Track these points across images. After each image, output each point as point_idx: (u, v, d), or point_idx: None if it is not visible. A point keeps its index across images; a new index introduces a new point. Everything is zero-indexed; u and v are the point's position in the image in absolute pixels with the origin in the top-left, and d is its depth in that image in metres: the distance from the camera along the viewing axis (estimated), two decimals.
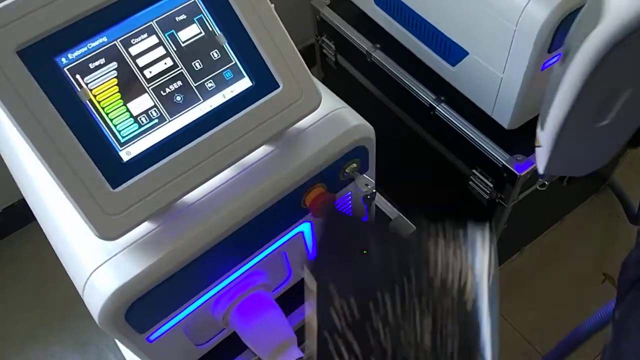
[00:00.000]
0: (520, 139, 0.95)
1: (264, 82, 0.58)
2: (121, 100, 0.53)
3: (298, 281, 0.77)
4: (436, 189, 1.23)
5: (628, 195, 1.37)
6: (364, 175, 0.66)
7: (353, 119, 0.65)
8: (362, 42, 1.14)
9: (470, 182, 1.04)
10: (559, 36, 0.78)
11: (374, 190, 0.66)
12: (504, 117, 0.92)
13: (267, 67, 0.57)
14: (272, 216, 0.61)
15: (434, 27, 0.95)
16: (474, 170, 1.02)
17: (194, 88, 0.55)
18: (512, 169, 0.92)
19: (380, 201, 0.88)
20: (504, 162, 0.93)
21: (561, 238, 1.41)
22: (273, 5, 0.65)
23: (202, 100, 0.56)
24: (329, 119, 0.64)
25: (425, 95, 1.04)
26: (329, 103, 0.65)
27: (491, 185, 1.00)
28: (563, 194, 1.19)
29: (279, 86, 0.58)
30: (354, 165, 0.66)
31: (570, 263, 1.39)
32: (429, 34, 0.97)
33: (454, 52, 0.94)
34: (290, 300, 0.76)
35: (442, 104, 1.02)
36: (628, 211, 1.38)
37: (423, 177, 1.25)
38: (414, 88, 1.05)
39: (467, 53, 0.91)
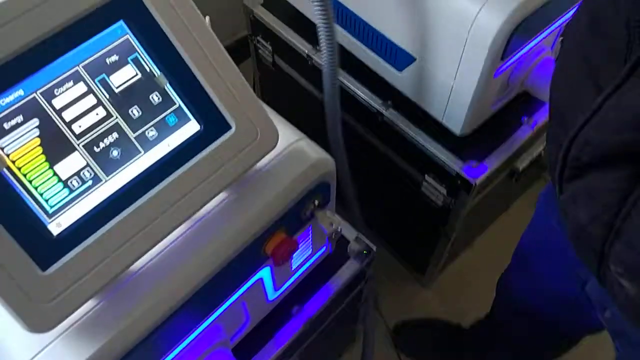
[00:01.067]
0: (473, 143, 0.93)
1: (213, 125, 0.51)
2: (47, 163, 0.44)
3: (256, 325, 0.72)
4: (389, 195, 1.20)
5: None
6: (327, 211, 0.61)
7: (312, 152, 0.59)
8: (301, 45, 1.07)
9: (423, 189, 1.01)
10: (512, 43, 0.75)
11: (340, 229, 0.60)
12: (456, 124, 0.89)
13: (215, 107, 0.50)
14: (230, 271, 0.55)
15: (377, 32, 0.90)
16: (425, 176, 0.99)
17: (133, 140, 0.47)
18: (466, 177, 0.90)
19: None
20: (457, 170, 0.91)
21: (507, 230, 1.43)
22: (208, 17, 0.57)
23: (142, 153, 0.48)
24: (287, 155, 0.58)
25: (372, 101, 0.99)
26: (285, 136, 0.59)
27: (444, 192, 0.97)
28: (511, 189, 1.19)
29: (230, 127, 0.51)
30: (316, 201, 0.60)
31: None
32: (373, 38, 0.92)
33: (400, 58, 0.89)
34: (249, 345, 0.70)
35: (390, 110, 0.98)
36: None
37: (374, 183, 1.21)
38: (359, 93, 1.00)
39: (414, 59, 0.87)
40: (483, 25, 0.73)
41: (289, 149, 0.58)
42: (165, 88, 0.49)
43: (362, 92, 1.00)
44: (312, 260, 0.73)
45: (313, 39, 1.07)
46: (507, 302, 1.00)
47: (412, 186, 1.04)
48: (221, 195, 0.54)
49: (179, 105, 0.49)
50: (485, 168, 0.90)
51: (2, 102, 0.42)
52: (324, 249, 0.73)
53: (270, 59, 1.20)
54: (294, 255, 0.64)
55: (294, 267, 0.69)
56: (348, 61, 1.01)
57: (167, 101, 0.49)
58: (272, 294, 0.69)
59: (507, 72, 0.83)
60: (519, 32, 0.73)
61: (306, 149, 0.59)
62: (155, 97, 0.48)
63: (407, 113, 0.97)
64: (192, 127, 0.50)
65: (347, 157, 1.21)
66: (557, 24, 0.83)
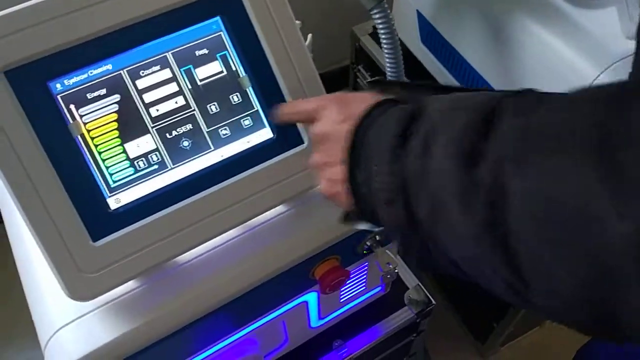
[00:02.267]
0: None
1: (287, 136, 0.50)
2: (119, 139, 0.45)
3: (294, 348, 0.69)
4: None
5: None
6: (386, 250, 0.58)
7: None
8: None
9: None
10: None
11: (396, 270, 0.57)
12: None
13: None
14: (274, 286, 0.53)
15: (484, 81, 0.86)
16: None
17: (205, 134, 0.48)
18: None
19: (399, 266, 0.79)
20: None
21: None
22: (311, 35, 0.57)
23: (212, 149, 0.48)
24: None
25: None
26: None
27: None
28: None
29: (303, 142, 0.50)
30: (377, 237, 0.57)
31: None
32: (475, 82, 0.89)
33: None
34: None
35: None
36: None
37: None
38: None
39: None
40: None
41: None
42: (247, 90, 0.49)
43: None
44: (363, 297, 0.69)
45: (414, 76, 1.05)
46: None
47: None
48: (281, 208, 0.53)
49: (257, 110, 0.49)
50: None
51: (90, 73, 0.44)
52: (378, 288, 0.70)
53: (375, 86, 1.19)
54: (344, 287, 0.62)
55: (343, 299, 0.66)
56: None
57: (246, 103, 0.49)
58: (315, 321, 0.66)
59: None
60: None
61: None
62: (235, 97, 0.48)
63: None
64: (265, 133, 0.49)
65: None
66: None
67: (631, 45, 0.68)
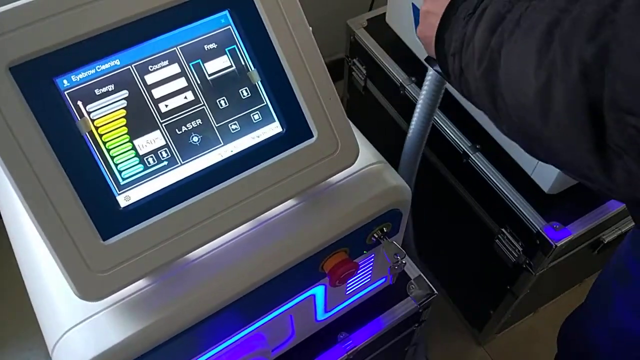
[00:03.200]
0: (560, 205, 0.87)
1: (296, 130, 0.49)
2: (127, 136, 0.44)
3: (300, 342, 0.69)
4: (459, 240, 1.14)
5: None
6: (393, 241, 0.58)
7: (390, 177, 0.57)
8: (396, 73, 1.05)
9: (497, 241, 0.96)
10: None
11: (404, 262, 0.57)
12: (545, 181, 0.84)
13: (302, 113, 0.49)
14: (284, 280, 0.53)
15: None
16: (503, 229, 0.93)
17: (215, 129, 0.47)
18: (548, 238, 0.84)
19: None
20: (539, 229, 0.85)
21: (577, 301, 1.33)
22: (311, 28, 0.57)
23: (222, 144, 0.47)
24: (364, 175, 0.56)
25: (460, 141, 0.95)
26: (365, 156, 0.57)
27: (520, 249, 0.91)
28: (590, 260, 1.11)
29: (312, 136, 0.50)
30: (384, 229, 0.57)
31: None
32: None
33: None
34: None
35: (477, 153, 0.93)
36: None
37: (446, 226, 1.17)
38: (447, 131, 0.97)
39: None
40: None
41: (368, 169, 0.56)
42: (257, 84, 0.48)
43: (450, 131, 0.97)
44: (369, 289, 0.70)
45: (409, 69, 1.05)
46: (575, 354, 0.90)
47: (486, 237, 0.99)
48: (290, 202, 0.53)
49: (266, 104, 0.49)
50: (568, 233, 0.84)
51: (98, 68, 0.43)
52: (383, 280, 0.70)
53: (363, 83, 1.19)
54: (352, 279, 0.62)
55: (349, 291, 0.66)
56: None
57: (255, 98, 0.48)
58: (322, 314, 0.66)
59: None
60: None
61: (385, 173, 0.57)
62: (244, 92, 0.48)
63: (494, 160, 0.92)
64: (274, 128, 0.49)
65: (421, 192, 1.17)
66: None
67: None
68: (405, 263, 0.57)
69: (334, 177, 0.53)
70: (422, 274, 0.78)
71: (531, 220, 0.86)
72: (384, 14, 1.10)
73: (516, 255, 0.93)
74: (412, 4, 0.97)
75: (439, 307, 1.31)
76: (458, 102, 0.96)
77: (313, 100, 0.49)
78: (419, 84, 1.03)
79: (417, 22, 0.98)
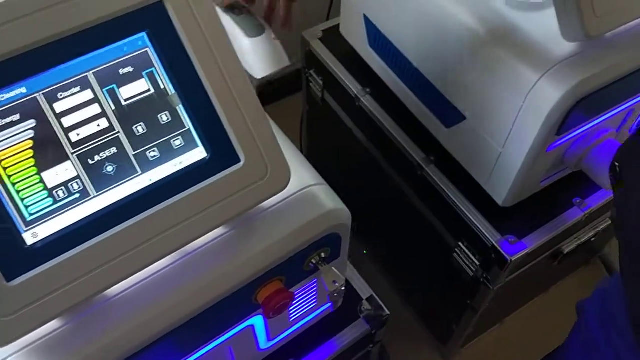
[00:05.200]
0: (515, 217, 0.86)
1: (222, 155, 0.47)
2: (35, 168, 0.42)
3: None
4: (419, 254, 1.13)
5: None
6: (332, 267, 0.56)
7: (328, 200, 0.54)
8: (351, 84, 1.04)
9: (455, 255, 0.95)
10: (571, 119, 0.68)
11: (343, 288, 0.55)
12: (499, 193, 0.83)
13: (227, 136, 0.47)
14: (216, 313, 0.50)
15: (431, 84, 0.85)
16: (460, 243, 0.92)
17: (132, 157, 0.44)
18: (503, 252, 0.82)
19: (353, 277, 0.78)
20: (494, 242, 0.84)
21: (545, 310, 1.33)
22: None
23: (139, 173, 0.45)
24: (299, 199, 0.53)
25: (414, 153, 0.94)
26: (302, 178, 0.55)
27: (477, 263, 0.90)
28: (552, 270, 1.10)
29: (240, 161, 0.47)
30: (322, 254, 0.55)
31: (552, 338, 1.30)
32: (425, 89, 0.88)
33: (450, 114, 0.84)
34: None
35: (432, 166, 0.92)
36: None
37: (407, 240, 1.15)
38: (402, 143, 0.95)
39: (464, 118, 0.82)
40: (541, 96, 0.67)
41: (303, 192, 0.54)
42: (177, 109, 0.46)
43: (404, 142, 0.95)
44: (313, 315, 0.67)
45: (364, 80, 1.04)
46: None
47: (444, 251, 0.97)
48: (219, 231, 0.50)
49: (188, 129, 0.46)
50: (524, 246, 0.83)
51: (2, 97, 0.40)
52: (328, 305, 0.68)
53: (320, 95, 1.17)
54: (292, 306, 0.59)
55: (292, 318, 0.64)
56: (396, 108, 0.97)
57: (176, 123, 0.46)
58: (264, 343, 0.64)
59: (562, 147, 0.76)
60: (579, 108, 0.67)
61: (322, 196, 0.55)
62: (164, 117, 0.45)
63: (449, 172, 0.91)
64: (198, 153, 0.47)
65: (380, 205, 1.16)
66: (625, 106, 0.77)
67: (570, 47, 0.68)
68: (344, 289, 0.55)
69: (267, 202, 0.51)
70: (374, 294, 0.76)
71: (486, 234, 0.85)
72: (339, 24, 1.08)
73: (474, 270, 0.91)
74: (364, 14, 0.95)
75: (404, 320, 1.29)
76: (411, 113, 0.95)
77: (239, 123, 0.47)
78: (374, 96, 1.02)
79: (369, 34, 0.97)
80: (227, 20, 0.65)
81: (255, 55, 0.62)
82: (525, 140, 0.71)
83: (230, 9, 0.66)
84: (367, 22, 0.96)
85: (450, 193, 0.89)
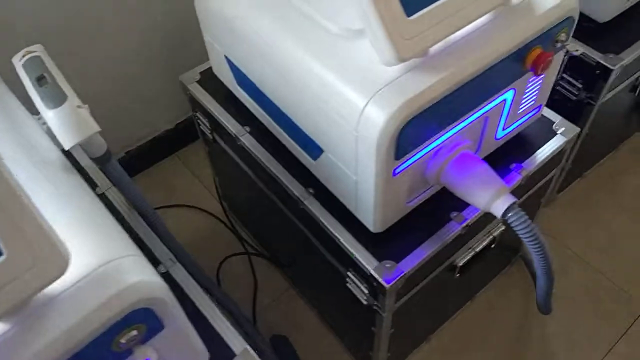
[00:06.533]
0: (391, 241, 0.84)
1: None
2: None
3: None
4: (326, 285, 1.11)
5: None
6: (150, 346, 0.53)
7: (133, 272, 0.52)
8: (230, 124, 1.02)
9: (347, 284, 0.93)
10: (404, 142, 0.67)
11: None
12: (367, 220, 0.81)
13: None
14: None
15: (291, 120, 0.84)
16: (348, 272, 0.90)
17: None
18: (379, 279, 0.81)
19: (226, 331, 0.75)
20: (371, 270, 0.82)
21: (472, 318, 1.31)
22: None
23: None
24: (94, 278, 0.51)
25: (293, 187, 0.92)
26: (109, 251, 0.53)
27: (366, 292, 0.88)
28: (463, 280, 1.08)
29: (2, 254, 0.45)
30: (134, 332, 0.52)
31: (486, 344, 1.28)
32: (288, 125, 0.87)
33: (311, 147, 0.83)
34: None
35: (310, 198, 0.90)
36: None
37: (312, 270, 1.13)
38: (282, 178, 0.94)
39: (322, 150, 0.80)
40: (369, 123, 0.66)
41: (100, 270, 0.51)
42: None
43: (283, 177, 0.93)
44: None
45: (243, 119, 1.02)
46: None
47: (340, 279, 0.95)
48: None
49: None
50: (400, 272, 0.81)
51: None
52: None
53: (211, 136, 1.16)
54: None
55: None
56: (273, 143, 0.96)
57: None
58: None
59: (416, 166, 0.74)
60: (409, 130, 0.66)
61: (126, 268, 0.52)
62: None
63: (328, 203, 0.89)
64: None
65: (284, 238, 1.14)
66: (467, 120, 0.75)
67: (395, 70, 0.67)
68: None
69: (55, 288, 0.49)
70: (248, 348, 0.74)
71: (363, 262, 0.83)
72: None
73: (365, 297, 0.89)
74: (225, 55, 0.94)
75: (332, 347, 1.27)
76: (287, 148, 0.93)
77: None
78: (254, 134, 1.00)
79: (234, 74, 0.95)
80: (33, 94, 0.63)
81: (58, 127, 0.60)
82: (369, 167, 0.70)
83: (37, 80, 0.64)
84: (229, 62, 0.94)
85: (328, 224, 0.87)
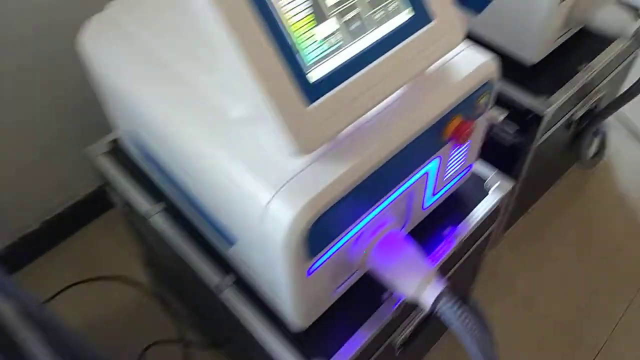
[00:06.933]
0: (320, 334, 0.75)
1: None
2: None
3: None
4: None
5: None
6: None
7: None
8: (139, 202, 0.91)
9: None
10: (317, 239, 0.59)
11: None
12: (291, 319, 0.72)
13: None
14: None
15: (201, 203, 0.75)
16: None
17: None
18: None
19: None
20: None
21: None
22: None
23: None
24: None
25: (210, 276, 0.82)
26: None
27: None
28: (409, 352, 1.00)
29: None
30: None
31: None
32: (199, 208, 0.77)
33: (225, 234, 0.74)
34: None
35: (229, 289, 0.80)
36: None
37: (245, 354, 1.03)
38: (196, 266, 0.83)
39: (237, 239, 0.71)
40: (275, 221, 0.57)
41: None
42: None
43: (198, 265, 0.83)
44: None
45: (154, 197, 0.92)
46: None
47: None
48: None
49: None
50: None
51: None
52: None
53: (125, 212, 1.05)
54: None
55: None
56: (188, 226, 0.86)
57: None
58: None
59: (334, 260, 0.66)
60: (321, 227, 0.57)
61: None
62: None
63: (253, 293, 0.79)
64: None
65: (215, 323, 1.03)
66: (388, 200, 0.67)
67: (298, 162, 0.58)
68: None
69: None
70: None
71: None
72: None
73: None
74: (124, 129, 0.84)
75: None
76: (203, 236, 0.84)
77: None
78: (169, 212, 0.90)
79: (139, 148, 0.86)
80: None
81: None
82: (279, 267, 0.61)
83: None
84: (130, 135, 0.85)
85: (247, 320, 0.77)
